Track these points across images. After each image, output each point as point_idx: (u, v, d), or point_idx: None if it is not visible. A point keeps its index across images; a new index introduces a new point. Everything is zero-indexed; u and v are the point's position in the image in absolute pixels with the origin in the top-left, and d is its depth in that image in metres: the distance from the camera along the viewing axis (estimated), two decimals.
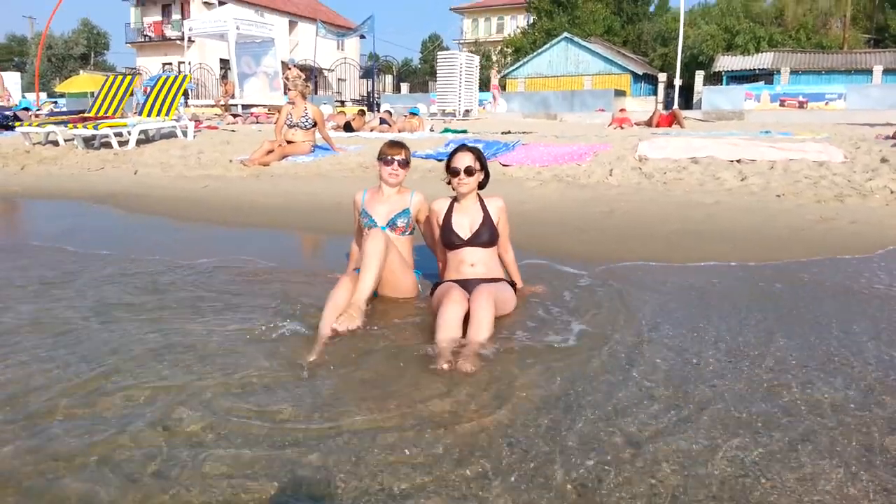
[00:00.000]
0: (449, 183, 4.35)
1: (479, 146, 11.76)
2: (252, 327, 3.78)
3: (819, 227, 6.59)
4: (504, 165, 10.29)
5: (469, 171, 4.15)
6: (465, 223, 4.18)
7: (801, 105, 30.68)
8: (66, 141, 13.73)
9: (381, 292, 4.20)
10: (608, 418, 2.80)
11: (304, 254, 6.24)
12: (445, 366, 3.20)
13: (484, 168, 4.21)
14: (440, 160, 10.84)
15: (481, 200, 4.20)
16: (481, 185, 4.27)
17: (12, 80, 29.65)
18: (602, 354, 3.45)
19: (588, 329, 3.83)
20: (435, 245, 4.46)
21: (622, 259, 5.53)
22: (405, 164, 4.42)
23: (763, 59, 39.66)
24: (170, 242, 6.36)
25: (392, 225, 4.34)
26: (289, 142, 11.81)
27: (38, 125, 14.09)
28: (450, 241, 4.17)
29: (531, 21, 51.59)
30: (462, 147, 4.33)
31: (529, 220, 6.95)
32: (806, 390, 3.02)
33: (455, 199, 4.26)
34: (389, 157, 4.38)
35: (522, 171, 9.97)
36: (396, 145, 4.44)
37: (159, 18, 53.14)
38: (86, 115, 14.86)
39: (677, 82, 25.63)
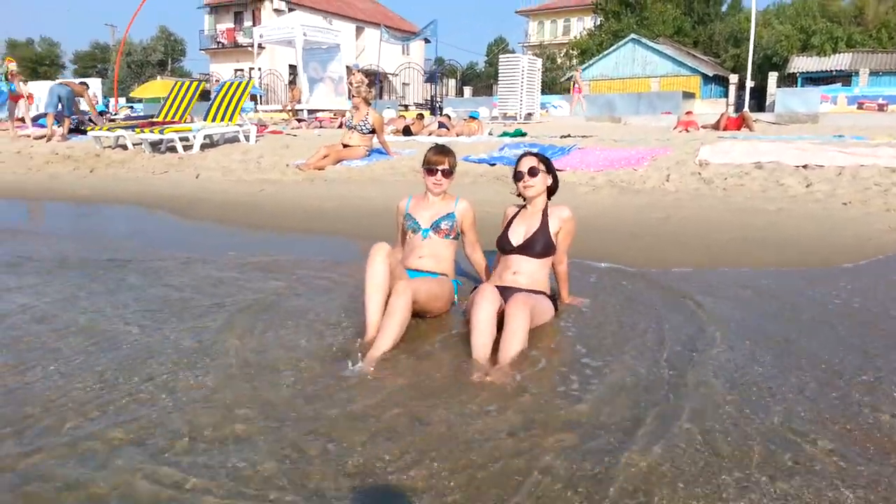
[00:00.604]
0: (520, 195, 4.36)
1: (535, 150, 11.67)
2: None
3: (887, 237, 6.27)
4: (558, 170, 10.09)
5: (532, 172, 4.16)
6: (521, 230, 4.18)
7: (881, 108, 29.25)
8: (134, 145, 14.18)
9: (419, 311, 4.18)
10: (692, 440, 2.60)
11: (353, 260, 6.25)
12: (477, 378, 3.16)
13: (551, 171, 4.23)
14: (492, 165, 10.84)
15: (545, 208, 4.19)
16: (550, 192, 4.28)
17: (94, 85, 31.03)
18: (647, 370, 3.32)
19: (630, 341, 3.75)
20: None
21: (677, 265, 5.43)
22: (449, 172, 4.39)
23: (840, 61, 38.04)
24: (220, 245, 6.50)
25: (436, 227, 4.34)
26: (345, 145, 11.92)
27: (107, 129, 14.57)
28: (501, 245, 4.21)
29: (598, 23, 50.89)
30: (526, 153, 4.38)
31: (581, 225, 6.72)
32: None
33: (524, 206, 4.30)
34: (433, 167, 4.36)
35: (576, 175, 9.83)
36: (441, 152, 4.41)
37: (232, 25, 54.72)
38: (154, 119, 15.34)
39: (749, 84, 24.79)
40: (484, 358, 3.35)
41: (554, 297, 4.26)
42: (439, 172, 4.37)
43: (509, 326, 3.50)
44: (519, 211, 4.40)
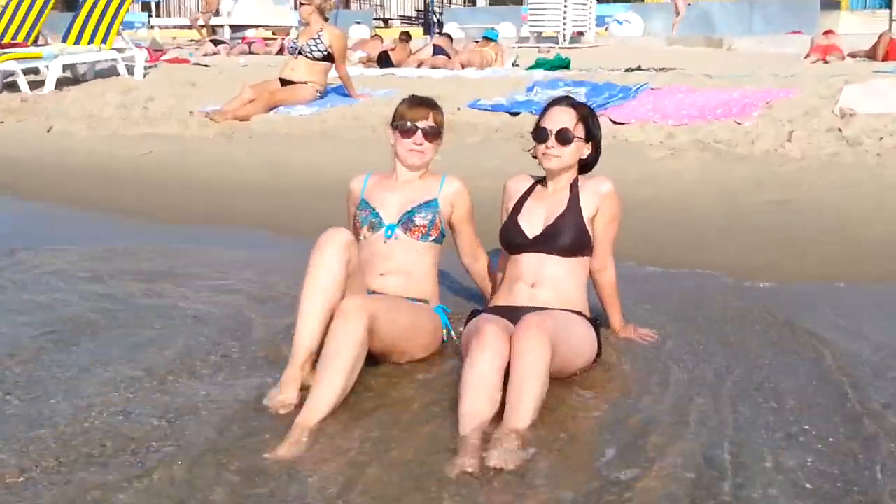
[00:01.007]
0: (536, 156, 4.40)
1: (581, 91, 11.64)
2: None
3: None
4: (616, 123, 10.09)
5: (564, 138, 4.24)
6: (539, 215, 4.30)
7: None
8: None
9: (375, 356, 4.14)
10: None
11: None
12: (470, 468, 3.16)
13: (593, 137, 4.36)
14: (514, 114, 10.77)
15: (575, 183, 4.34)
16: (586, 167, 4.43)
17: None
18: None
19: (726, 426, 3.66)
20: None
21: (801, 277, 5.52)
22: (435, 133, 4.49)
23: None
24: (67, 237, 6.49)
25: (408, 223, 4.40)
26: (284, 82, 11.88)
27: None
28: (509, 238, 4.31)
29: None
30: (561, 99, 4.40)
31: (650, 213, 6.89)
32: None
33: (540, 180, 4.43)
34: (409, 124, 4.46)
35: (645, 131, 9.74)
36: (422, 105, 4.53)
37: None
38: None
39: None
40: (474, 434, 3.35)
41: (596, 322, 4.23)
42: (419, 132, 4.43)
43: (517, 368, 3.50)
44: (533, 186, 4.44)
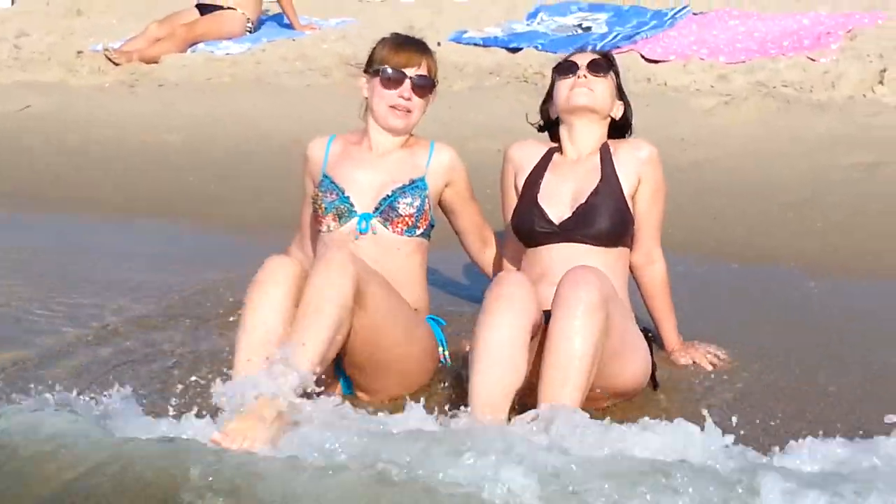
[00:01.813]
0: (542, 129, 4.54)
1: (601, 17, 11.61)
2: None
3: None
4: (649, 61, 10.07)
5: (596, 67, 4.41)
6: (566, 191, 4.34)
7: None
8: None
9: (357, 382, 4.20)
10: None
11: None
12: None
13: (622, 91, 4.53)
14: (513, 49, 10.74)
15: (605, 148, 4.41)
16: (618, 132, 4.51)
17: None
18: None
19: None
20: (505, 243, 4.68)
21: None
22: (426, 86, 4.48)
23: None
24: None
25: (387, 213, 4.39)
26: (203, 8, 11.81)
27: None
28: (527, 225, 4.33)
29: None
30: (583, 48, 4.64)
31: (696, 184, 6.90)
32: None
33: (556, 147, 4.49)
34: (393, 71, 4.45)
35: (688, 72, 9.72)
36: (411, 46, 4.54)
37: None
38: None
39: None
40: (492, 406, 3.53)
41: (649, 335, 4.27)
42: (408, 82, 4.43)
43: (558, 336, 3.61)
44: (549, 155, 4.46)
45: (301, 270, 3.89)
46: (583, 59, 4.37)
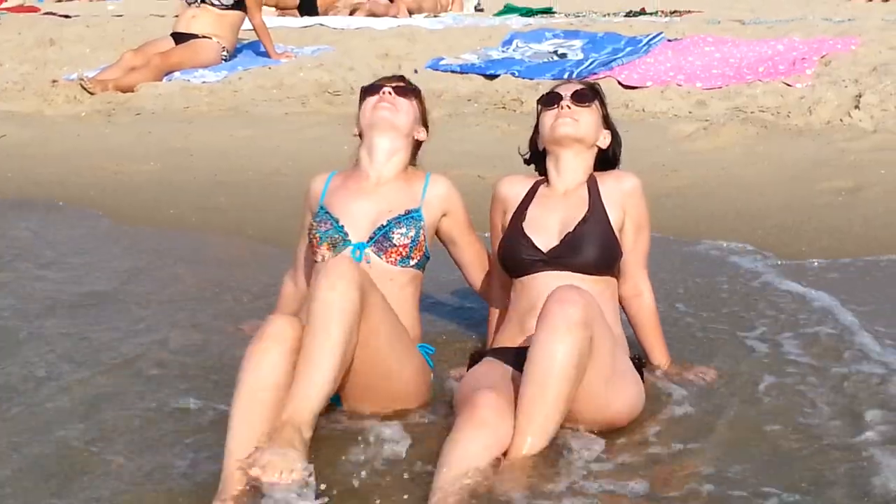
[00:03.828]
0: (529, 161, 4.55)
1: (577, 44, 11.65)
2: None
3: None
4: (626, 87, 10.12)
5: (581, 97, 4.42)
6: (552, 221, 4.35)
7: None
8: None
9: (350, 404, 4.19)
10: None
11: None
12: None
13: (610, 126, 4.54)
14: (490, 76, 10.74)
15: (592, 181, 4.42)
16: (606, 163, 4.52)
17: None
18: None
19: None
20: (492, 276, 4.67)
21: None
22: (407, 91, 4.62)
23: None
24: None
25: (382, 243, 4.39)
26: (178, 37, 11.83)
27: None
28: (514, 255, 4.31)
29: None
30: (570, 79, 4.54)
31: (678, 210, 6.91)
32: None
33: (542, 179, 4.49)
34: (374, 85, 4.67)
35: (666, 98, 9.79)
36: (388, 75, 4.84)
37: None
38: None
39: None
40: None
41: (640, 362, 4.23)
42: (388, 88, 4.55)
43: (539, 352, 3.58)
44: (535, 188, 4.45)
45: (302, 330, 3.85)
46: (567, 90, 4.38)
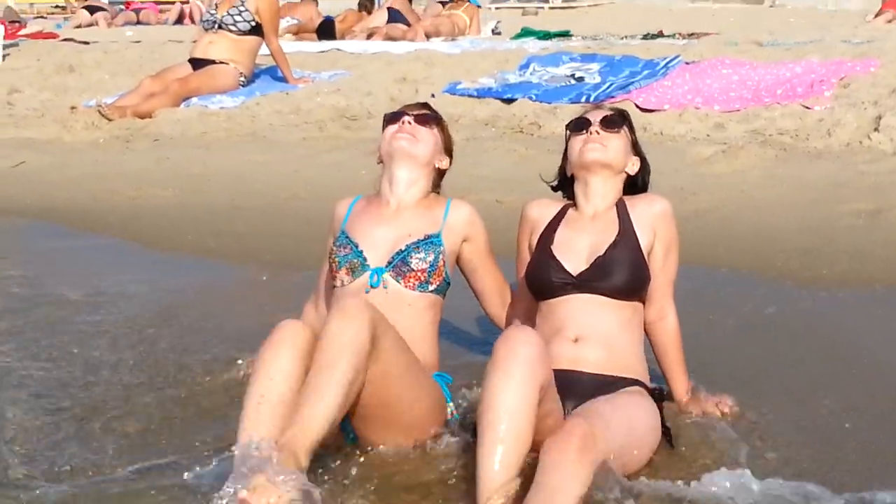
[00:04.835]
0: (557, 186, 4.52)
1: (594, 67, 11.63)
2: None
3: None
4: (644, 111, 10.10)
5: (610, 123, 4.41)
6: (582, 245, 4.34)
7: None
8: None
9: (362, 432, 4.15)
10: None
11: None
12: None
13: (639, 153, 4.54)
14: (508, 100, 10.74)
15: (622, 204, 4.39)
16: (635, 185, 4.51)
17: None
18: None
19: None
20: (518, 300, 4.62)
21: None
22: (429, 119, 4.59)
23: None
24: None
25: (400, 267, 4.37)
26: (196, 63, 11.88)
27: None
28: (543, 277, 4.30)
29: None
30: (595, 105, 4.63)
31: (698, 233, 6.84)
32: None
33: (571, 203, 4.48)
34: (391, 113, 4.67)
35: (684, 121, 9.77)
36: (409, 103, 4.85)
37: None
38: None
39: None
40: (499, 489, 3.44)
41: (659, 393, 4.21)
42: (408, 116, 4.52)
43: (545, 480, 3.46)
44: (563, 211, 4.44)
45: (313, 336, 3.87)
46: (596, 116, 4.36)
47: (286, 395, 3.73)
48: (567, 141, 4.43)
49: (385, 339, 3.84)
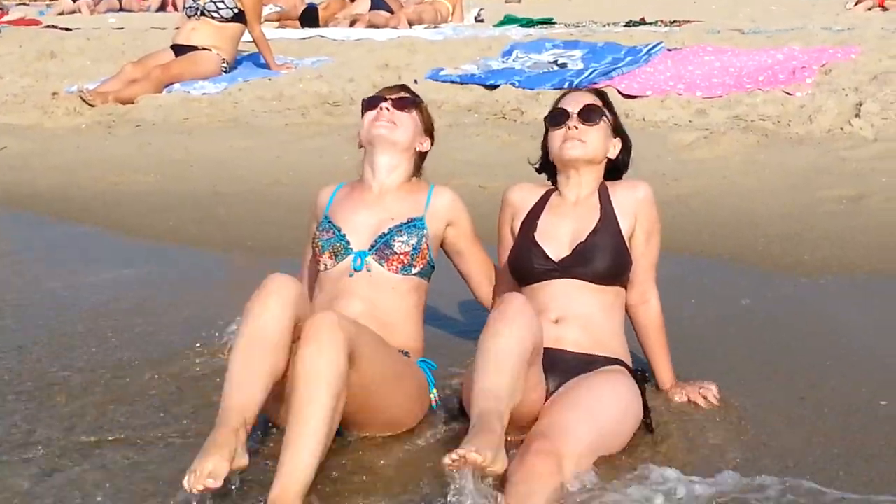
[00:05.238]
0: (540, 169, 4.49)
1: (577, 54, 11.62)
2: None
3: None
4: (627, 97, 10.12)
5: (589, 115, 4.35)
6: (564, 231, 4.35)
7: None
8: None
9: (344, 427, 4.11)
10: None
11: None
12: (454, 457, 3.27)
13: (620, 133, 4.50)
14: (491, 86, 10.75)
15: (603, 190, 4.43)
16: (615, 171, 4.50)
17: None
18: None
19: None
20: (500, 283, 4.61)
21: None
22: (407, 103, 4.56)
23: None
24: None
25: (383, 251, 4.37)
26: (178, 49, 11.89)
27: None
28: (526, 263, 4.32)
29: None
30: (577, 88, 4.63)
31: (679, 219, 6.84)
32: None
33: (553, 188, 4.47)
34: (370, 98, 4.63)
35: (666, 108, 9.77)
36: (388, 86, 4.79)
37: None
38: None
39: None
40: (490, 410, 3.46)
41: (641, 374, 4.22)
42: (388, 102, 4.49)
43: (523, 474, 3.47)
44: (546, 197, 4.42)
45: (301, 290, 3.90)
46: (574, 106, 4.28)
47: (275, 343, 3.74)
48: (546, 132, 4.39)
49: (362, 350, 3.79)
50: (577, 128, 4.22)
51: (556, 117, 4.30)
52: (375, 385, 3.89)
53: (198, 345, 5.01)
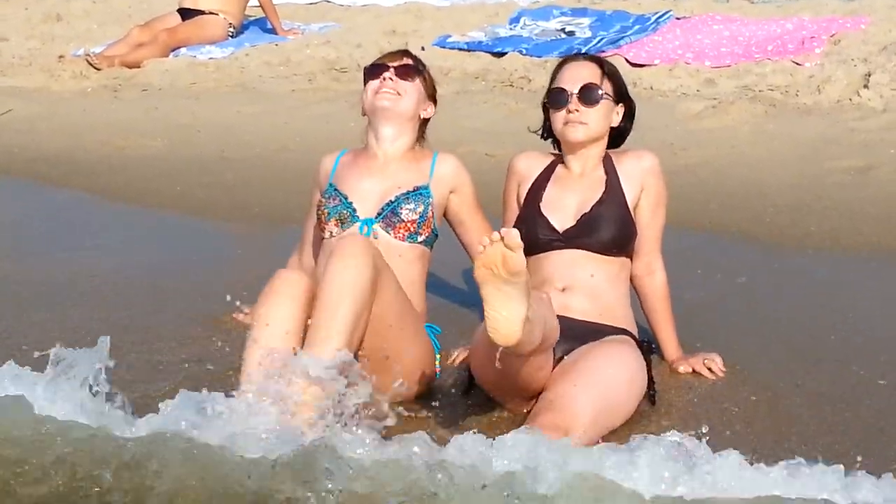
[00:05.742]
0: (544, 135, 4.45)
1: (584, 22, 11.55)
2: None
3: None
4: (634, 65, 10.07)
5: (589, 96, 4.28)
6: (570, 202, 4.34)
7: None
8: None
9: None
10: None
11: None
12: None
13: (624, 98, 4.43)
14: (498, 53, 10.72)
15: (608, 160, 4.37)
16: (619, 137, 4.48)
17: None
18: None
19: None
20: None
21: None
22: (411, 71, 4.53)
23: None
24: None
25: (390, 218, 4.38)
26: (185, 13, 11.83)
27: None
28: (529, 233, 4.17)
29: None
30: (576, 55, 4.49)
31: (687, 188, 6.80)
32: None
33: (559, 158, 4.45)
34: (372, 65, 4.60)
35: (674, 77, 9.74)
36: (391, 51, 4.75)
37: None
38: None
39: None
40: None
41: (648, 345, 4.23)
42: (391, 70, 4.47)
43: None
44: (552, 167, 4.41)
45: (311, 285, 3.87)
46: (573, 85, 4.22)
47: (286, 344, 3.75)
48: (546, 110, 4.36)
49: (385, 281, 3.86)
50: (577, 111, 4.20)
51: (556, 98, 4.27)
52: (391, 323, 3.94)
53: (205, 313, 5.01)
